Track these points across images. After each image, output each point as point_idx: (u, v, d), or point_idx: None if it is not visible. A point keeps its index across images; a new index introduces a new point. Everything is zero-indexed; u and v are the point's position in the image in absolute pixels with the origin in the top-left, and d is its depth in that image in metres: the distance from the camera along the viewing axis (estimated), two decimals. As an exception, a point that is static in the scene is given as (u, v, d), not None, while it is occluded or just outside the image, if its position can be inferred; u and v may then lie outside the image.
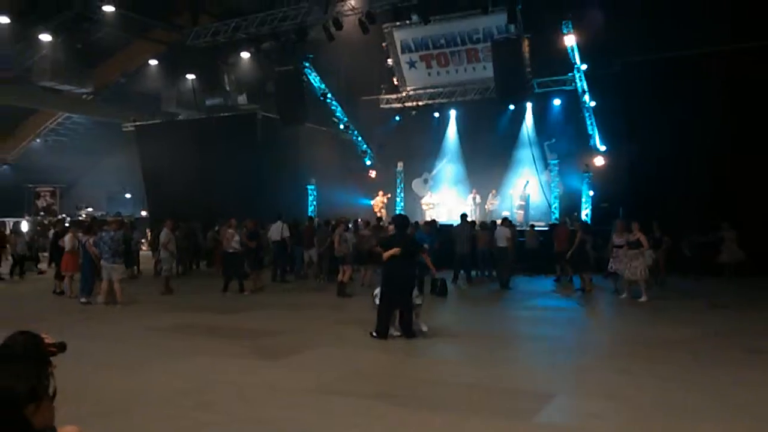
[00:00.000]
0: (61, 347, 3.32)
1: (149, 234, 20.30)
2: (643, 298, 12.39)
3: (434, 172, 26.13)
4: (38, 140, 34.52)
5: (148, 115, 27.86)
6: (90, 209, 32.34)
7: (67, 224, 18.82)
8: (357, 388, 6.64)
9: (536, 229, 18.03)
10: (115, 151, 32.88)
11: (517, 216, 21.79)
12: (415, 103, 25.76)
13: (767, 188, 15.67)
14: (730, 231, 15.15)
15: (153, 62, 29.12)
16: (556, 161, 21.69)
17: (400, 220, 10.11)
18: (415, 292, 9.35)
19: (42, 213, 33.39)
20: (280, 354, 8.24)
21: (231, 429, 5.40)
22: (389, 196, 25.19)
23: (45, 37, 23.20)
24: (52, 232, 18.21)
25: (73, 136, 35.19)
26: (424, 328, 9.45)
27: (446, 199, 25.09)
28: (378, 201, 24.60)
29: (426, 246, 11.42)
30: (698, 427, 5.40)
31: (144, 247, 22.34)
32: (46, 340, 3.19)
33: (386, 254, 9.13)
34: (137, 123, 26.57)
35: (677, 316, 10.96)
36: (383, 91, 26.32)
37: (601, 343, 9.27)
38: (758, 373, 7.08)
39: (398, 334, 9.25)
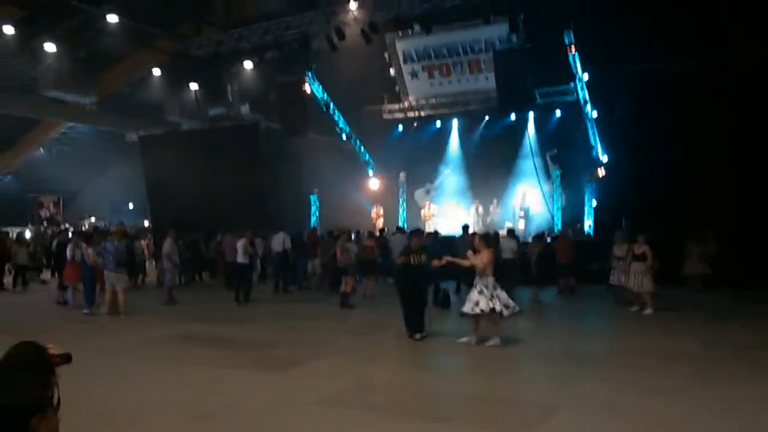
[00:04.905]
0: (66, 358, 3.31)
1: (148, 243, 20.37)
2: (648, 310, 12.33)
3: (436, 182, 26.13)
4: (41, 150, 34.64)
5: (151, 125, 27.94)
6: (93, 219, 32.40)
7: (69, 234, 18.84)
8: (359, 400, 6.62)
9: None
10: (119, 161, 33.01)
11: (519, 227, 21.77)
12: (417, 113, 25.82)
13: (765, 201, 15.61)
14: (697, 243, 15.06)
15: (156, 72, 29.21)
16: (558, 172, 21.70)
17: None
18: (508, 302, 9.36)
19: (45, 223, 33.47)
20: (282, 365, 8.22)
21: (233, 441, 5.39)
22: (382, 207, 25.22)
23: (49, 47, 23.32)
24: (55, 242, 18.19)
25: (76, 146, 35.30)
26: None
27: (448, 210, 25.08)
28: (375, 212, 24.76)
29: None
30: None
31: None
32: (51, 351, 3.19)
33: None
34: (141, 133, 26.62)
35: (677, 328, 10.94)
36: (386, 101, 26.40)
37: (603, 355, 9.24)
38: (761, 387, 7.04)
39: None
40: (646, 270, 12.41)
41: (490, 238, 10.75)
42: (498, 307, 9.13)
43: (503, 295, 9.30)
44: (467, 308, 9.31)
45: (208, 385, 7.22)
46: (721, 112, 16.19)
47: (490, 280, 9.30)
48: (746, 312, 12.50)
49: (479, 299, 9.20)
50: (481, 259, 9.36)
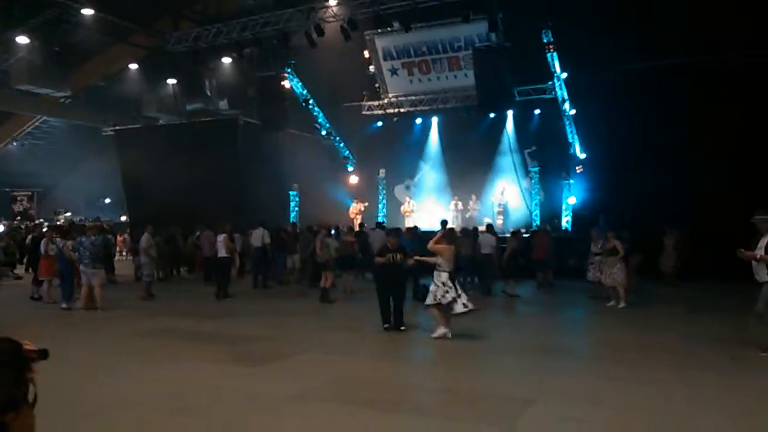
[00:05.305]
0: (43, 354, 3.26)
1: (123, 238, 20.16)
2: (621, 304, 12.54)
3: (416, 178, 26.20)
4: (15, 144, 34.06)
5: (128, 119, 27.59)
6: (68, 214, 31.94)
7: (44, 229, 18.57)
8: (339, 394, 6.63)
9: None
10: (94, 156, 32.59)
11: (497, 222, 21.93)
12: (396, 110, 25.83)
13: (743, 196, 15.88)
14: (670, 238, 15.34)
15: (133, 66, 28.86)
16: (536, 168, 21.86)
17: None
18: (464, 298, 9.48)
19: (19, 217, 32.90)
20: (262, 360, 8.20)
21: (212, 435, 5.37)
22: (366, 203, 25.14)
23: (22, 40, 22.87)
24: (30, 237, 17.91)
25: (50, 140, 34.79)
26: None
27: (427, 206, 25.14)
28: (353, 208, 24.59)
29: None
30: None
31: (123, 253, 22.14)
32: (27, 347, 3.15)
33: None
34: (117, 127, 26.29)
35: (653, 322, 11.11)
36: (365, 97, 26.34)
37: (581, 347, 9.36)
38: (738, 379, 7.18)
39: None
40: (617, 263, 12.63)
41: (453, 236, 10.98)
42: (452, 300, 9.35)
43: (452, 293, 9.41)
44: (429, 300, 9.54)
45: (187, 380, 7.18)
46: (698, 110, 16.44)
47: (444, 276, 9.46)
48: (720, 305, 12.73)
49: (437, 291, 9.45)
50: (442, 252, 9.54)
